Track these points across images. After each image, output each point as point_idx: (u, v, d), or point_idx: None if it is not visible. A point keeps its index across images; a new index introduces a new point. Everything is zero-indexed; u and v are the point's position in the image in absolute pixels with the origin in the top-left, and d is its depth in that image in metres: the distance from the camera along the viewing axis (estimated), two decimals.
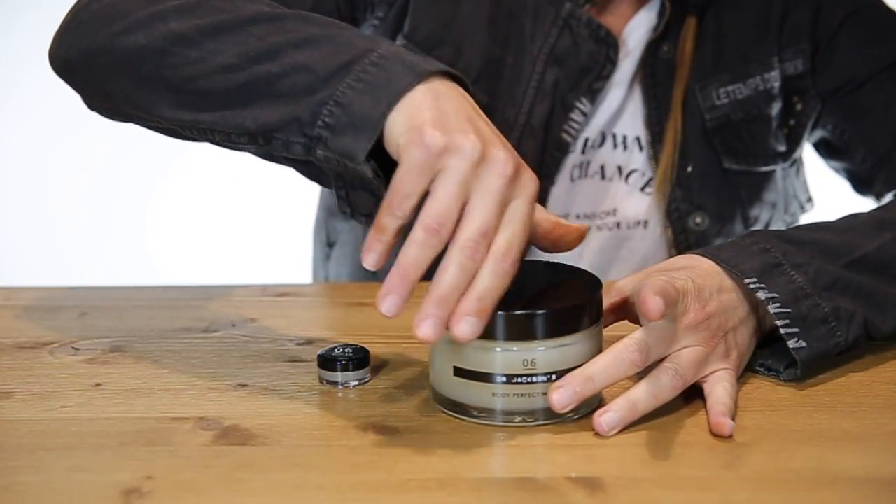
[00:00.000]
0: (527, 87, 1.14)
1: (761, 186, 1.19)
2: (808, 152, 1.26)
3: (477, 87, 1.13)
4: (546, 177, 1.15)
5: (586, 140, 1.16)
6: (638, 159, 1.17)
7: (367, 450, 0.76)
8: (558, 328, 0.77)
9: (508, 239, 0.74)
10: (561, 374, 0.78)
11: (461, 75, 0.81)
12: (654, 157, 1.16)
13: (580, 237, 0.82)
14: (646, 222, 1.18)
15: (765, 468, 0.74)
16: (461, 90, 0.80)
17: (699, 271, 0.85)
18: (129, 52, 0.88)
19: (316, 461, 0.75)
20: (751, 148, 1.18)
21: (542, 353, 0.77)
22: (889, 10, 1.19)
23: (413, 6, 1.13)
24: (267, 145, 0.83)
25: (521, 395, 0.78)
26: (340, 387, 0.85)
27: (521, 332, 0.77)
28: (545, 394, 0.78)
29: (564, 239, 0.81)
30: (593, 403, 0.81)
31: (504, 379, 0.78)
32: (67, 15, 0.94)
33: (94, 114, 1.14)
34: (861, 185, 1.19)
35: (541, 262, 0.84)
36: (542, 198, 1.15)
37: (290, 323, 0.99)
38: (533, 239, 0.80)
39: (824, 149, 1.22)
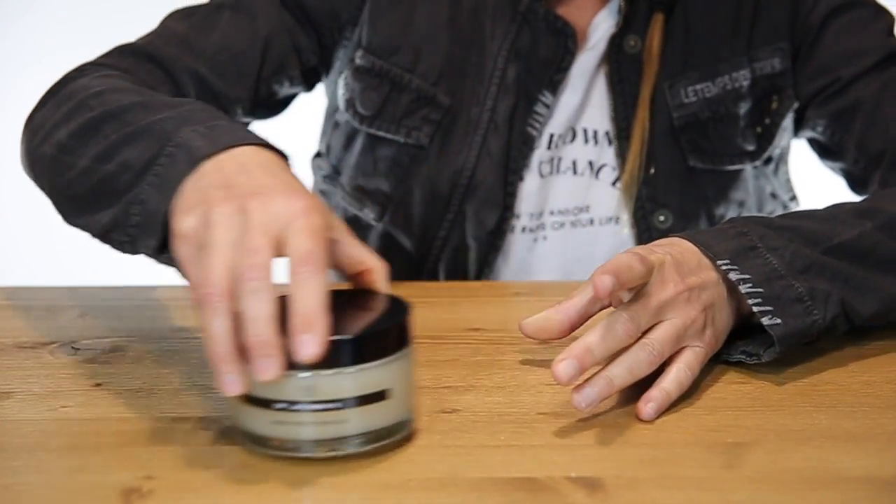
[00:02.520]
0: (489, 85, 1.15)
1: (728, 185, 1.18)
2: (796, 151, 1.25)
3: (438, 88, 1.15)
4: (513, 172, 1.15)
5: (552, 135, 1.16)
6: (608, 154, 1.17)
7: (367, 450, 0.76)
8: (338, 358, 0.71)
9: (299, 248, 0.71)
10: (338, 403, 0.72)
11: (259, 138, 0.81)
12: (621, 153, 1.16)
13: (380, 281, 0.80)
14: (617, 219, 1.18)
15: (765, 468, 0.74)
16: (249, 151, 0.80)
17: (679, 248, 0.86)
18: (40, 164, 0.95)
19: (316, 461, 0.75)
20: (717, 147, 1.17)
21: (314, 380, 0.72)
22: (872, 7, 1.18)
23: (368, 18, 1.16)
24: (111, 244, 0.87)
25: (297, 423, 0.73)
26: None
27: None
28: (319, 424, 0.73)
29: (366, 282, 0.80)
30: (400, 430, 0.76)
31: (282, 406, 0.73)
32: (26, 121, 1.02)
33: None
34: (857, 184, 1.19)
35: (350, 289, 0.80)
36: (510, 192, 1.16)
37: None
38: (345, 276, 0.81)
39: (818, 149, 1.22)
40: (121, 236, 0.84)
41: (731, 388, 0.85)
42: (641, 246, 0.85)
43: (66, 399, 0.84)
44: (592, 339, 0.79)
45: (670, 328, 0.82)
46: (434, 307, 1.03)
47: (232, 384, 0.70)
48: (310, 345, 0.69)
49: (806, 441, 0.77)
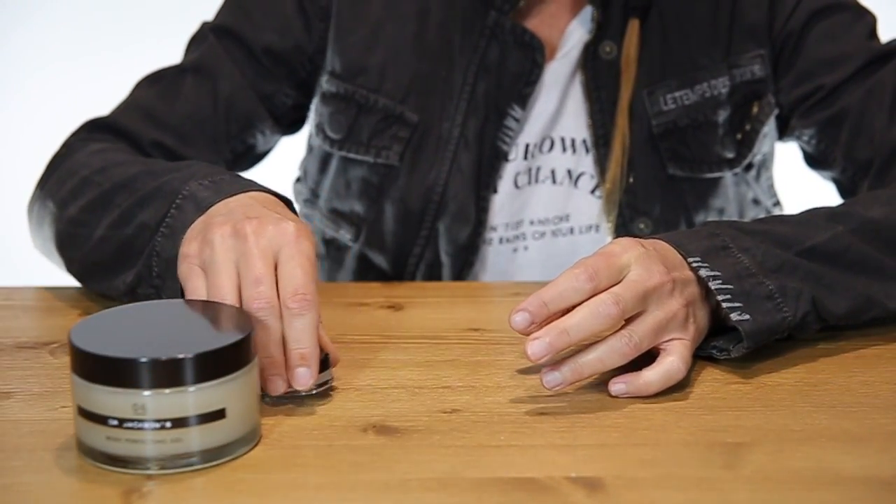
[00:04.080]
0: (459, 100, 1.14)
1: (707, 193, 1.18)
2: (781, 156, 1.25)
3: (405, 105, 1.15)
4: (485, 186, 1.15)
5: (527, 145, 1.16)
6: (586, 162, 1.16)
7: (367, 450, 0.76)
8: (174, 378, 0.72)
9: (291, 282, 0.80)
10: (175, 421, 0.73)
11: (262, 186, 0.90)
12: (600, 161, 1.15)
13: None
14: (597, 227, 1.17)
15: (765, 468, 0.74)
16: (252, 195, 0.88)
17: (662, 246, 0.86)
18: (56, 239, 1.02)
19: (316, 461, 0.75)
20: (696, 154, 1.17)
21: (151, 398, 0.72)
22: (852, 9, 1.17)
23: (333, 42, 1.16)
24: (138, 299, 0.92)
25: (133, 440, 0.73)
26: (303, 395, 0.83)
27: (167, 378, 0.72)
28: (157, 442, 0.73)
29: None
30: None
31: (116, 422, 0.73)
32: (28, 205, 1.10)
33: (95, 114, 1.16)
34: (846, 193, 1.17)
35: (200, 301, 0.81)
36: (482, 207, 1.15)
37: None
38: None
39: (806, 158, 1.21)
40: (146, 290, 0.92)
41: (731, 388, 0.85)
42: (629, 238, 0.86)
43: (66, 399, 0.84)
44: (571, 321, 0.80)
45: (651, 320, 0.82)
46: (434, 307, 1.03)
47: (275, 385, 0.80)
48: (306, 377, 0.79)
49: (806, 441, 0.77)
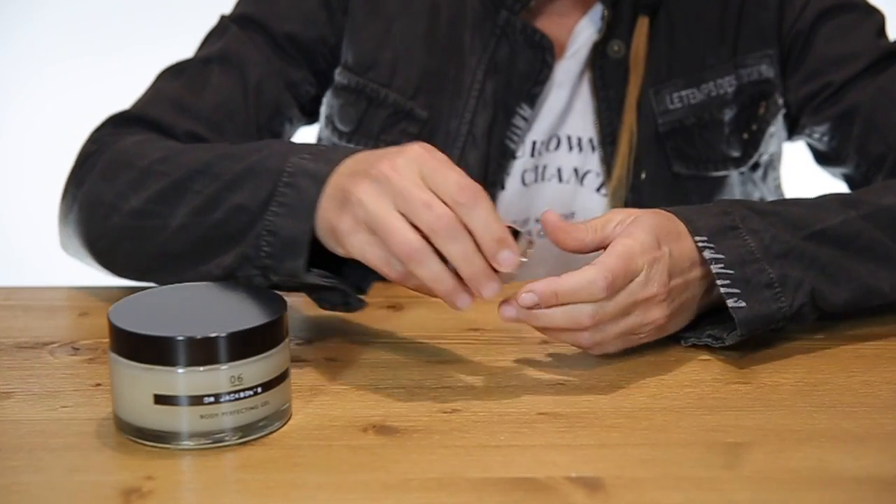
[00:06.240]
0: (468, 98, 1.15)
1: (713, 191, 1.18)
2: (788, 156, 1.25)
3: (415, 102, 1.15)
4: (492, 184, 1.15)
5: (534, 143, 1.16)
6: (592, 160, 1.17)
7: (367, 450, 0.76)
8: (265, 343, 0.77)
9: (447, 182, 0.79)
10: (266, 385, 0.77)
11: (358, 148, 0.89)
12: (606, 159, 1.16)
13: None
14: None
15: (765, 468, 0.74)
16: (355, 158, 0.86)
17: (679, 246, 0.87)
18: (110, 237, 0.99)
19: (316, 461, 0.75)
20: (702, 153, 1.17)
21: (246, 366, 0.76)
22: (861, 8, 1.17)
23: (348, 35, 1.16)
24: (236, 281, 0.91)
25: (236, 411, 0.76)
26: None
27: (233, 352, 0.75)
28: (250, 409, 0.77)
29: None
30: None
31: (212, 399, 0.75)
32: (59, 207, 1.05)
33: (95, 113, 1.15)
34: (859, 188, 1.18)
35: (228, 284, 0.85)
36: None
37: (290, 323, 0.99)
38: None
39: (817, 156, 1.21)
40: (249, 271, 0.89)
41: (731, 388, 0.85)
42: (649, 231, 0.86)
43: (66, 399, 0.84)
44: (564, 287, 0.82)
45: (623, 326, 0.85)
46: (434, 307, 1.03)
47: (465, 301, 0.81)
48: (510, 259, 0.79)
49: (806, 441, 0.77)
